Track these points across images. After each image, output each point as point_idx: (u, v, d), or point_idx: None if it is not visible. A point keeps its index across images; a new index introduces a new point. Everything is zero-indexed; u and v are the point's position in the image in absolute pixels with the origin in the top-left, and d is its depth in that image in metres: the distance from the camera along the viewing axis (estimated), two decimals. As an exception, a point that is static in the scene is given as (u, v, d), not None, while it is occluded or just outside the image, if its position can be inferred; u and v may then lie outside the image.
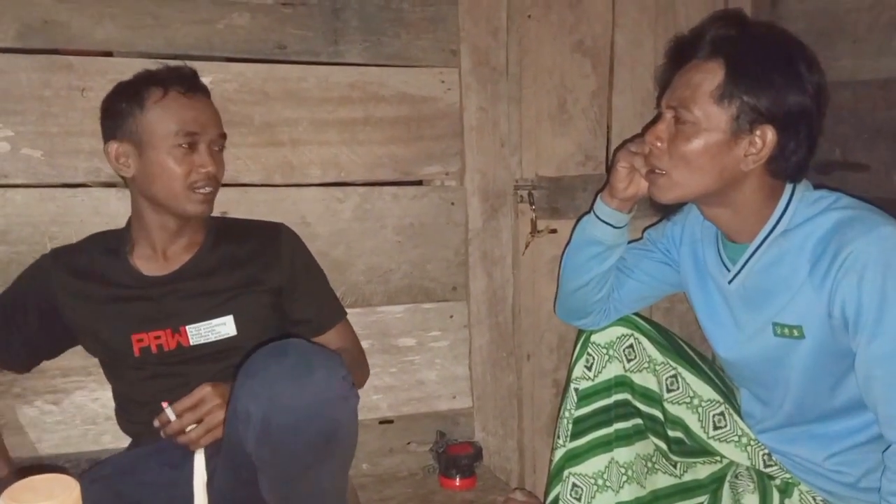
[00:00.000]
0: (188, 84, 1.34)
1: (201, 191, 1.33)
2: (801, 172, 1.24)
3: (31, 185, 1.49)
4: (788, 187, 1.26)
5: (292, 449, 1.07)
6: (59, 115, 1.48)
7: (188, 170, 1.31)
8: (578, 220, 1.50)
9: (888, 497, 1.16)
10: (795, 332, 1.23)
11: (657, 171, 1.27)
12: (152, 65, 1.51)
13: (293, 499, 1.15)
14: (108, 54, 1.54)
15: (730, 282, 1.32)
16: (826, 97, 1.22)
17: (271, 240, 1.45)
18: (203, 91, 1.37)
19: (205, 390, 1.22)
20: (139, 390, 1.21)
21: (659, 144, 1.25)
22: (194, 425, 1.22)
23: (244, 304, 1.37)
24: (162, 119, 1.30)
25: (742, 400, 1.44)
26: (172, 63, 1.42)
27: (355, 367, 1.50)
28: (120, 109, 1.32)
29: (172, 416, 1.22)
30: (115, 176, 1.52)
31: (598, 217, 1.42)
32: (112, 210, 1.51)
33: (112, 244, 1.40)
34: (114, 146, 1.32)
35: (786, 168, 1.22)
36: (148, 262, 1.38)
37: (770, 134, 1.18)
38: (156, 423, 1.22)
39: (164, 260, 1.38)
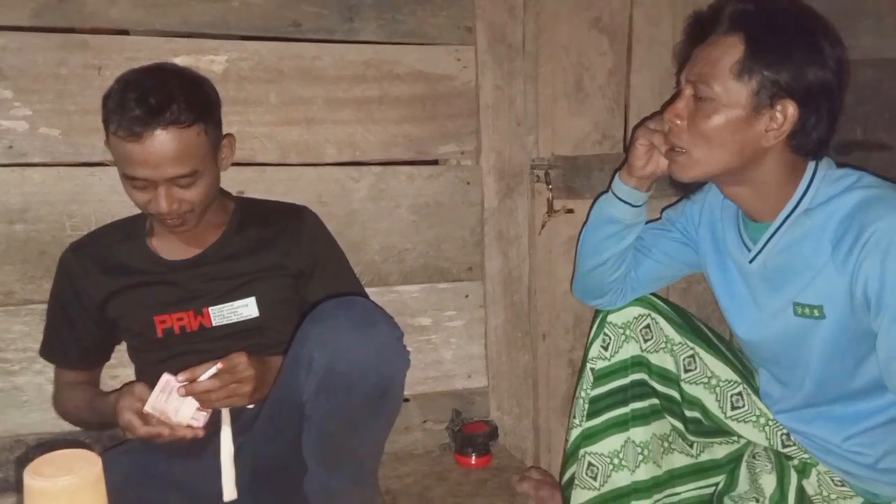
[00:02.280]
0: (136, 128, 1.19)
1: (162, 220, 1.29)
2: (823, 148, 1.22)
3: (49, 163, 1.50)
4: (811, 165, 1.25)
5: (349, 398, 1.13)
6: (76, 93, 1.48)
7: (145, 202, 1.27)
8: (596, 199, 1.49)
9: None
10: (816, 312, 1.22)
11: (677, 149, 1.25)
12: (166, 44, 1.52)
13: (336, 456, 1.20)
14: (125, 32, 1.53)
15: (750, 261, 1.31)
16: (847, 72, 1.20)
17: (294, 224, 1.44)
18: (160, 129, 1.20)
19: (241, 358, 1.22)
20: (162, 370, 1.22)
21: (678, 122, 1.24)
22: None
23: (267, 286, 1.38)
24: (115, 152, 1.25)
25: (760, 381, 1.43)
26: (145, 81, 1.26)
27: None
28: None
29: (205, 376, 1.19)
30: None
31: (615, 196, 1.41)
32: (129, 189, 1.52)
33: (129, 230, 1.41)
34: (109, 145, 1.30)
35: (807, 144, 1.20)
36: (169, 245, 1.38)
37: (791, 108, 1.17)
38: (180, 377, 1.19)
39: (187, 241, 1.38)
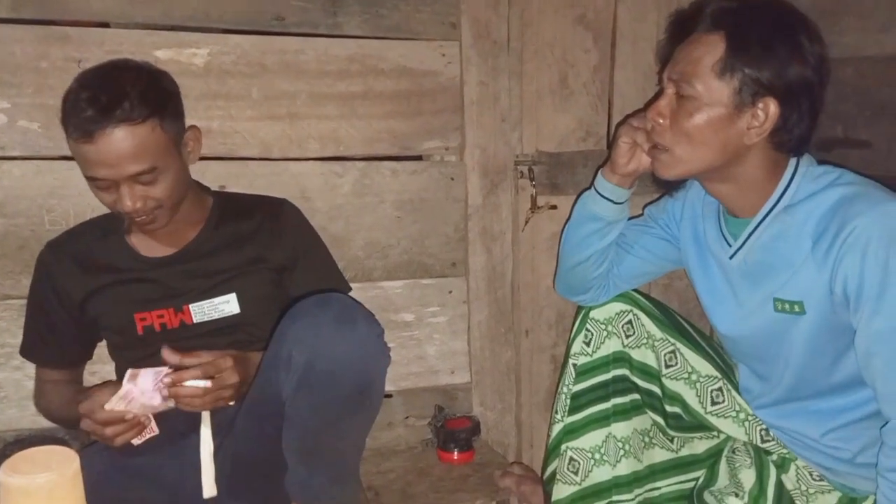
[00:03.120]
0: (89, 128, 1.18)
1: (136, 221, 1.28)
2: (804, 145, 1.23)
3: (28, 157, 1.48)
4: (792, 162, 1.25)
5: (329, 397, 1.12)
6: (55, 86, 1.46)
7: (111, 202, 1.25)
8: (579, 195, 1.49)
9: (885, 473, 1.16)
10: (796, 308, 1.23)
11: (659, 147, 1.26)
12: (147, 37, 1.51)
13: (316, 453, 1.19)
14: (105, 25, 1.52)
15: (731, 257, 1.32)
16: (828, 68, 1.21)
17: (273, 217, 1.44)
18: (112, 127, 1.18)
19: (227, 363, 1.20)
20: (143, 367, 1.21)
21: (661, 121, 1.24)
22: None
23: (247, 282, 1.37)
24: (74, 154, 1.23)
25: (740, 376, 1.44)
26: (93, 84, 1.24)
27: None
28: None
29: (198, 384, 1.17)
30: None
31: (598, 193, 1.42)
32: (110, 183, 1.50)
33: (108, 226, 1.39)
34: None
35: (789, 140, 1.21)
36: (148, 242, 1.37)
37: (772, 106, 1.17)
38: (166, 379, 1.17)
39: (166, 239, 1.36)
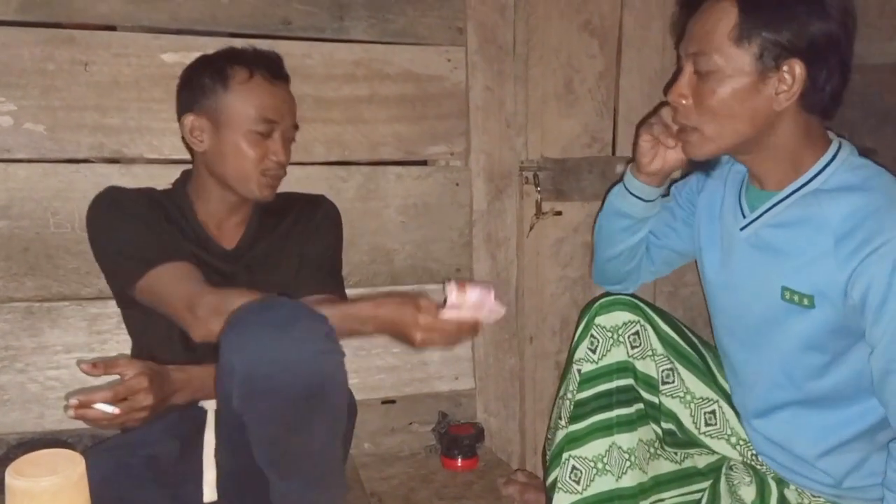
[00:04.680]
0: (274, 70, 1.34)
1: (271, 176, 1.34)
2: (836, 103, 1.16)
3: (33, 159, 1.48)
4: (834, 144, 1.20)
5: (276, 403, 1.06)
6: (62, 89, 1.47)
7: (261, 155, 1.31)
8: (613, 185, 1.46)
9: (893, 487, 1.13)
10: (805, 302, 1.18)
11: (687, 128, 1.20)
12: (154, 40, 1.51)
13: (284, 461, 1.13)
14: (112, 28, 1.52)
15: (742, 228, 1.27)
16: (853, 18, 1.13)
17: (312, 214, 1.46)
18: (285, 79, 1.37)
19: (142, 384, 1.12)
20: (166, 348, 1.17)
21: (684, 101, 1.18)
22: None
23: (289, 285, 1.37)
24: (244, 101, 1.30)
25: (726, 373, 1.41)
26: (259, 46, 1.38)
27: None
28: (203, 84, 1.31)
29: (106, 409, 1.09)
30: (118, 151, 1.52)
31: (627, 190, 1.38)
32: (115, 186, 1.50)
33: (178, 203, 1.38)
34: (190, 118, 1.32)
35: (821, 100, 1.14)
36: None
37: (798, 68, 1.11)
38: (73, 399, 1.08)
39: (217, 233, 1.38)
